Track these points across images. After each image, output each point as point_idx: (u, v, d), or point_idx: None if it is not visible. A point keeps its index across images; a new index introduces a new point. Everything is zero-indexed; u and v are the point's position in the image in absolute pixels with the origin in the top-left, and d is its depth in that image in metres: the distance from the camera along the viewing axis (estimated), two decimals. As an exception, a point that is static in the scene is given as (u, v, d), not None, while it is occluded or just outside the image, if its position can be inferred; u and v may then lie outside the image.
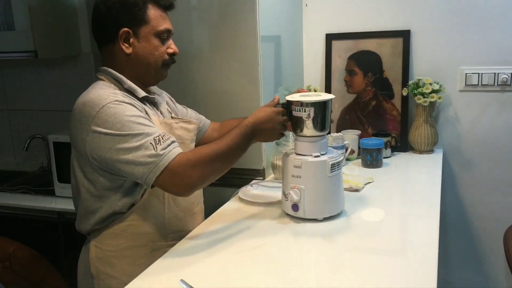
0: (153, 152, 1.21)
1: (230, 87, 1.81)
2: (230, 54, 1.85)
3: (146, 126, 1.25)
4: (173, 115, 1.52)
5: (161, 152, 1.21)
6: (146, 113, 1.34)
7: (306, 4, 2.32)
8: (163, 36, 1.38)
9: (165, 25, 1.38)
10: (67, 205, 2.12)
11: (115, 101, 1.25)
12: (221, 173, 1.31)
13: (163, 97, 1.52)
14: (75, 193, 1.40)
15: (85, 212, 1.37)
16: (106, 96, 1.26)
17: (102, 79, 1.36)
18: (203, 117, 1.70)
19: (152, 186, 1.26)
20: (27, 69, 2.72)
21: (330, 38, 2.30)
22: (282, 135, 1.44)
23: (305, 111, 1.41)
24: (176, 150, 1.24)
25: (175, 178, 1.23)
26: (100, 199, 1.33)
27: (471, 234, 2.29)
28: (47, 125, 2.68)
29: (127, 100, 1.28)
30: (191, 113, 1.65)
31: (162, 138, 1.24)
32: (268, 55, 1.93)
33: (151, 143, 1.22)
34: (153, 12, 1.35)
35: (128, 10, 1.32)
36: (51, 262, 1.64)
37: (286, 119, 1.42)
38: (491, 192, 2.21)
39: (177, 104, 1.62)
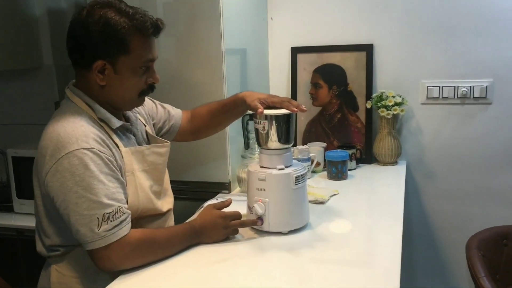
0: (95, 230, 1.17)
1: (196, 99, 1.80)
2: (196, 66, 1.84)
3: (105, 189, 1.19)
4: (147, 128, 1.48)
5: (102, 234, 1.17)
6: (117, 146, 1.29)
7: (272, 18, 2.34)
8: (143, 67, 1.29)
9: (147, 55, 1.28)
10: (27, 222, 2.05)
11: (83, 148, 1.18)
12: (150, 263, 1.29)
13: (135, 114, 1.46)
14: (35, 212, 1.33)
15: (42, 234, 1.32)
16: (75, 139, 1.18)
17: (74, 103, 1.29)
18: (172, 110, 1.63)
19: None
20: (-15, 81, 2.64)
21: (295, 51, 2.32)
22: (232, 234, 1.43)
23: (260, 123, 1.43)
24: (119, 233, 1.19)
25: (101, 261, 1.20)
26: (57, 227, 1.28)
27: (435, 243, 2.33)
28: (6, 139, 2.59)
29: (96, 147, 1.20)
30: (160, 110, 1.60)
31: (113, 216, 1.18)
32: (233, 68, 1.93)
33: (98, 217, 1.17)
34: (136, 42, 1.25)
35: (109, 40, 1.22)
36: (9, 282, 1.58)
37: (236, 223, 1.42)
38: (453, 202, 2.26)
39: (147, 104, 1.55)
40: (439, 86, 2.19)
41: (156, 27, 1.29)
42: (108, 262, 1.20)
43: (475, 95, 2.16)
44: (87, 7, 1.25)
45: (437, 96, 2.20)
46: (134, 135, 1.41)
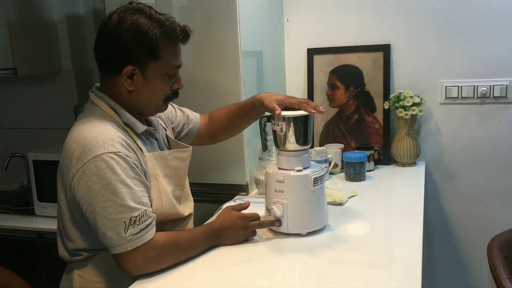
0: (122, 233, 1.17)
1: (213, 102, 1.81)
2: (213, 69, 1.85)
3: (131, 193, 1.19)
4: (168, 132, 1.49)
5: (129, 238, 1.17)
6: (141, 150, 1.30)
7: (288, 20, 2.34)
8: (171, 73, 1.31)
9: (175, 61, 1.30)
10: (47, 225, 2.08)
11: (110, 152, 1.18)
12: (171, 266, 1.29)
13: (157, 118, 1.46)
14: (58, 216, 1.34)
15: (65, 238, 1.32)
16: (102, 143, 1.19)
17: (99, 107, 1.30)
18: (190, 114, 1.64)
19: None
20: (6, 86, 2.69)
21: (312, 52, 2.31)
22: (251, 235, 1.43)
23: (278, 125, 1.43)
24: (145, 237, 1.20)
25: (127, 265, 1.20)
26: (81, 231, 1.28)
27: (455, 245, 2.30)
28: (27, 143, 2.64)
29: (122, 151, 1.21)
30: (179, 114, 1.61)
31: (140, 220, 1.19)
32: (250, 70, 1.93)
33: (125, 221, 1.17)
34: (166, 48, 1.26)
35: (140, 45, 1.23)
36: (31, 284, 1.60)
37: (255, 224, 1.41)
38: (474, 203, 2.23)
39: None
40: (458, 86, 2.16)
41: (185, 34, 1.30)
42: (133, 265, 1.20)
43: (495, 95, 2.13)
44: (118, 13, 1.25)
45: (456, 96, 2.17)
46: (156, 140, 1.41)
